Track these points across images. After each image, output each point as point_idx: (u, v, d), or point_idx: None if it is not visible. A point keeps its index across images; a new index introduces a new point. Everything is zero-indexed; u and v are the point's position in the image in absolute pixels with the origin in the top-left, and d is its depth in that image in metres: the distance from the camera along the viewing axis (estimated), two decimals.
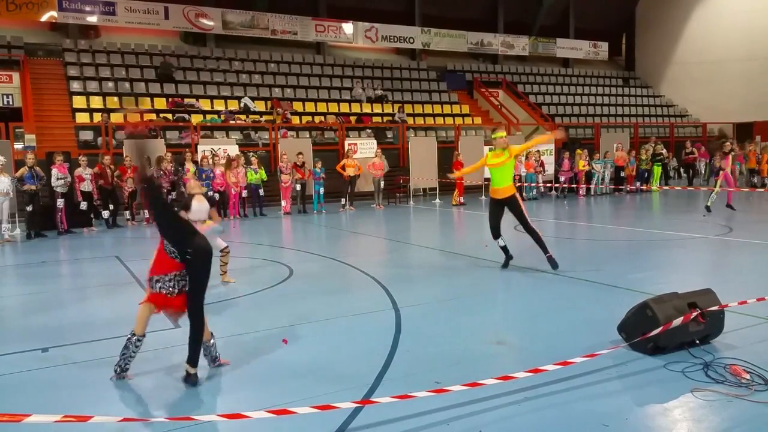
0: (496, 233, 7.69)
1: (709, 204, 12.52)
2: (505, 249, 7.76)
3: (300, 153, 15.89)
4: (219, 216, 8.84)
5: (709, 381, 3.96)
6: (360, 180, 16.91)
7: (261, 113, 20.16)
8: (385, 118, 21.79)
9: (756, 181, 19.70)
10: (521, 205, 7.54)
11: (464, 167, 16.64)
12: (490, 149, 7.89)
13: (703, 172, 21.92)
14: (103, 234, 12.75)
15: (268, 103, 20.69)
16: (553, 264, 7.49)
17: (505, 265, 7.78)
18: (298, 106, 21.09)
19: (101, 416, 3.14)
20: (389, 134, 20.74)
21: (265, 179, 15.41)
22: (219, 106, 19.96)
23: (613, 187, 18.98)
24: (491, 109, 25.71)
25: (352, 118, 21.07)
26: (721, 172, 12.78)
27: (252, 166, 15.10)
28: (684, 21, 30.02)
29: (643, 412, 3.62)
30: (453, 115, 23.83)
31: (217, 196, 13.90)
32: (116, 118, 16.86)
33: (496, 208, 7.71)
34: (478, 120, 24.39)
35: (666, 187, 19.42)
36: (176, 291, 4.15)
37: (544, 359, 4.06)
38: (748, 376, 3.96)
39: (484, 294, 6.65)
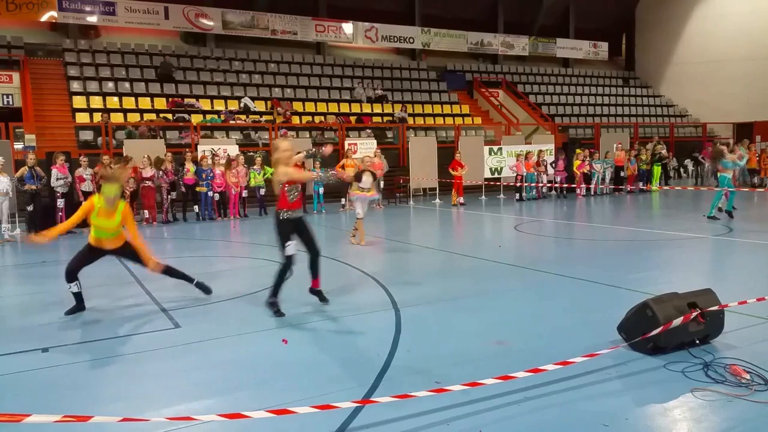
0: (72, 276, 6.05)
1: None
2: (78, 296, 6.14)
3: (300, 152, 15.84)
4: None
5: (709, 381, 3.96)
6: None
7: (261, 113, 20.16)
8: (385, 118, 21.79)
9: (756, 181, 19.72)
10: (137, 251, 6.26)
11: (462, 168, 16.73)
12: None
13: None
14: None
15: (268, 103, 20.68)
16: (205, 289, 6.58)
17: (71, 312, 6.06)
18: (298, 106, 21.08)
19: (101, 416, 3.14)
20: (389, 134, 20.74)
21: (268, 175, 15.36)
22: (219, 106, 19.95)
23: (613, 187, 18.97)
24: (491, 109, 25.72)
25: (352, 118, 21.07)
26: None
27: (254, 167, 15.09)
28: (684, 21, 30.01)
29: (643, 412, 3.62)
30: (453, 115, 23.83)
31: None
32: (115, 118, 16.79)
33: (94, 254, 6.20)
34: (478, 120, 24.40)
35: (666, 187, 19.41)
36: None
37: (544, 359, 4.06)
38: (748, 376, 3.96)
39: (484, 294, 6.64)
